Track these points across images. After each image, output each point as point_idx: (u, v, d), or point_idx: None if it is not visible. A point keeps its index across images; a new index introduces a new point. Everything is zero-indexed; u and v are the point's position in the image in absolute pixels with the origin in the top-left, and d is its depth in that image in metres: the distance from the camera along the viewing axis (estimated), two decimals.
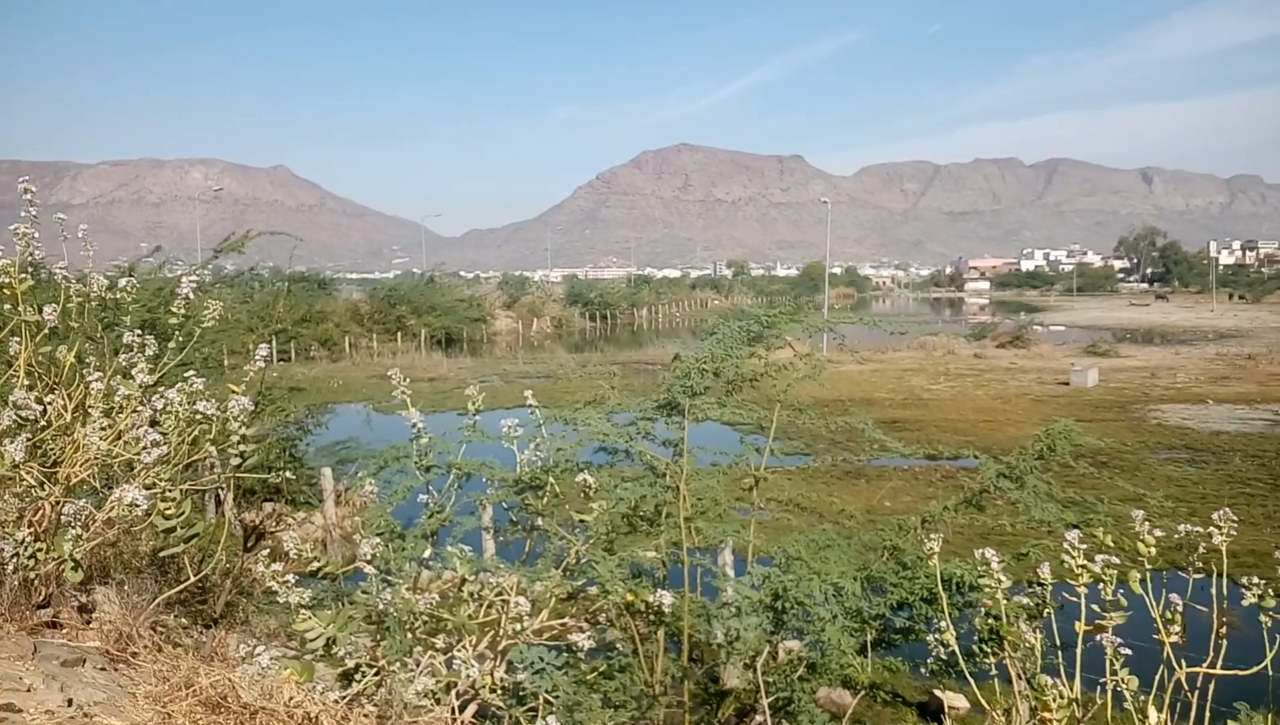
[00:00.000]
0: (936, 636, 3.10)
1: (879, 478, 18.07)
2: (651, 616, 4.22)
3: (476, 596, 5.53)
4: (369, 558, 4.95)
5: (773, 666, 3.76)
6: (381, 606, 4.94)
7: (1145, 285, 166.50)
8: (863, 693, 3.66)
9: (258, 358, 4.36)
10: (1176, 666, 3.07)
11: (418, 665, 5.20)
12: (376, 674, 5.30)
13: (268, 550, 5.13)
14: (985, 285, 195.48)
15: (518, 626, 4.65)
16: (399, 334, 57.70)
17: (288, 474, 13.12)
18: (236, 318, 18.30)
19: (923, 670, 3.50)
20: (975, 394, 31.12)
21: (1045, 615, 3.24)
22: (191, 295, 4.18)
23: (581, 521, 4.41)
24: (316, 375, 34.14)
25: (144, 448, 3.39)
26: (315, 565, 5.54)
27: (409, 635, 5.14)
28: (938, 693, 7.19)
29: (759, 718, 3.60)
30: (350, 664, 5.13)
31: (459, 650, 4.94)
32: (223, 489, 4.80)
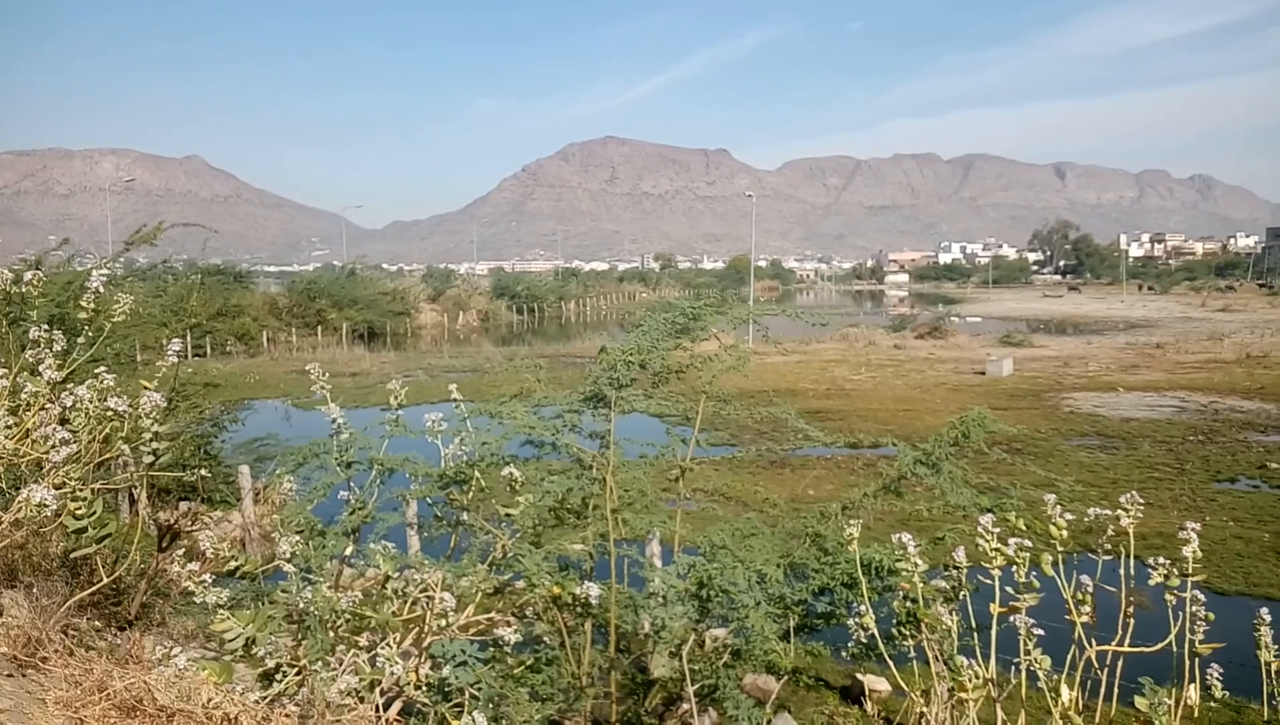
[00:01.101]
0: (857, 620, 3.17)
1: (803, 467, 18.34)
2: (579, 609, 4.23)
3: (400, 593, 5.48)
4: (288, 556, 4.86)
5: (699, 654, 3.80)
6: (302, 605, 4.86)
7: (1058, 277, 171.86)
8: (786, 677, 3.72)
9: (171, 353, 4.25)
10: (1087, 645, 3.19)
11: (340, 664, 5.12)
12: (298, 673, 5.20)
13: (184, 550, 5.01)
14: (905, 278, 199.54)
15: (443, 623, 4.62)
16: (319, 328, 56.57)
17: (203, 472, 12.79)
18: (149, 312, 17.74)
19: (844, 654, 3.57)
20: (895, 384, 31.76)
21: (961, 598, 3.34)
22: (102, 289, 4.05)
23: (508, 515, 4.39)
24: (233, 371, 33.34)
25: (53, 446, 3.28)
26: (233, 565, 5.42)
27: (331, 634, 5.06)
28: (860, 676, 7.34)
29: (685, 705, 3.64)
30: (271, 664, 5.03)
31: (383, 648, 4.88)
32: (136, 488, 4.66)
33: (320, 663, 4.87)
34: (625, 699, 4.29)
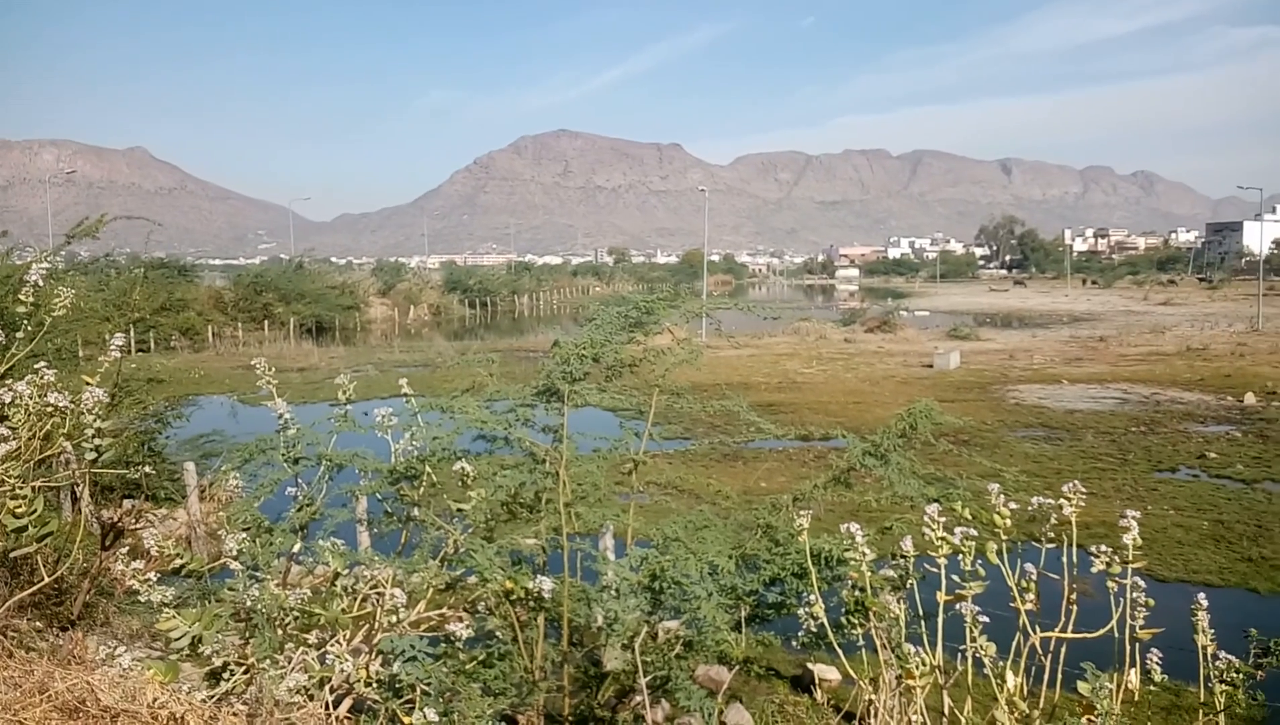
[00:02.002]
0: (807, 610, 3.21)
1: (755, 459, 18.47)
2: (531, 603, 4.23)
3: (350, 590, 5.43)
4: (235, 553, 4.79)
5: (651, 646, 3.81)
6: (250, 603, 4.79)
7: (1004, 271, 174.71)
8: (737, 668, 3.75)
9: (114, 348, 4.16)
10: (1031, 632, 3.26)
11: (289, 661, 5.06)
12: (246, 672, 5.13)
13: (128, 548, 4.91)
14: (855, 272, 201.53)
15: (393, 619, 4.59)
16: (266, 322, 55.70)
17: (148, 469, 12.55)
18: (91, 306, 17.35)
19: (795, 644, 3.61)
20: (846, 377, 32.09)
21: (909, 586, 3.39)
22: (41, 283, 3.95)
23: (459, 510, 4.37)
24: (177, 366, 32.69)
25: None
26: (179, 563, 5.33)
27: (279, 632, 5.00)
28: (810, 665, 7.43)
29: (638, 698, 3.65)
30: (218, 663, 4.96)
31: (332, 645, 4.84)
32: (78, 485, 4.57)
33: (269, 661, 4.81)
34: (578, 692, 4.30)
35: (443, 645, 4.07)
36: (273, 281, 61.14)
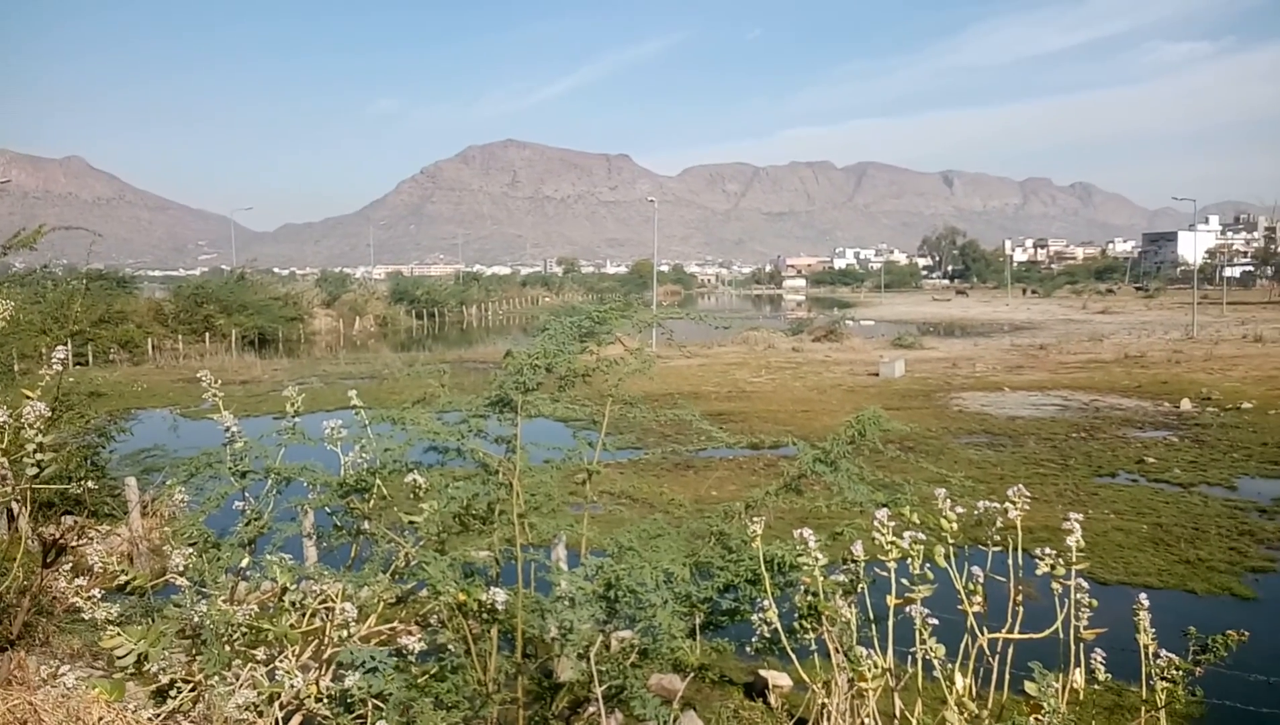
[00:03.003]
0: (760, 615, 3.24)
1: (706, 468, 18.55)
2: (485, 615, 4.21)
3: (299, 605, 5.35)
4: (181, 569, 4.70)
5: (605, 656, 3.81)
6: (196, 619, 4.70)
7: (947, 281, 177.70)
8: (691, 674, 3.78)
9: (54, 361, 4.07)
10: (979, 634, 3.33)
11: (238, 678, 4.98)
12: (193, 689, 5.04)
13: (69, 566, 4.80)
14: (802, 282, 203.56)
15: (343, 634, 4.53)
16: (207, 335, 54.67)
17: (89, 484, 12.26)
18: (28, 319, 16.90)
19: (748, 649, 3.64)
20: (794, 386, 32.38)
21: (859, 590, 3.45)
22: None
23: (411, 523, 4.33)
24: (118, 379, 31.94)
25: None
26: (122, 579, 5.22)
27: (227, 648, 4.91)
28: (763, 672, 7.48)
29: (592, 708, 3.65)
30: (164, 680, 4.86)
31: (281, 661, 4.76)
32: (17, 502, 4.45)
33: (216, 678, 4.72)
34: (532, 704, 4.28)
35: (395, 659, 4.04)
36: (214, 293, 60.07)
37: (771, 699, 7.01)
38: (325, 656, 5.17)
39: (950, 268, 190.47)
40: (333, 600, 5.09)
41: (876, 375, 34.52)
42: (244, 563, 4.64)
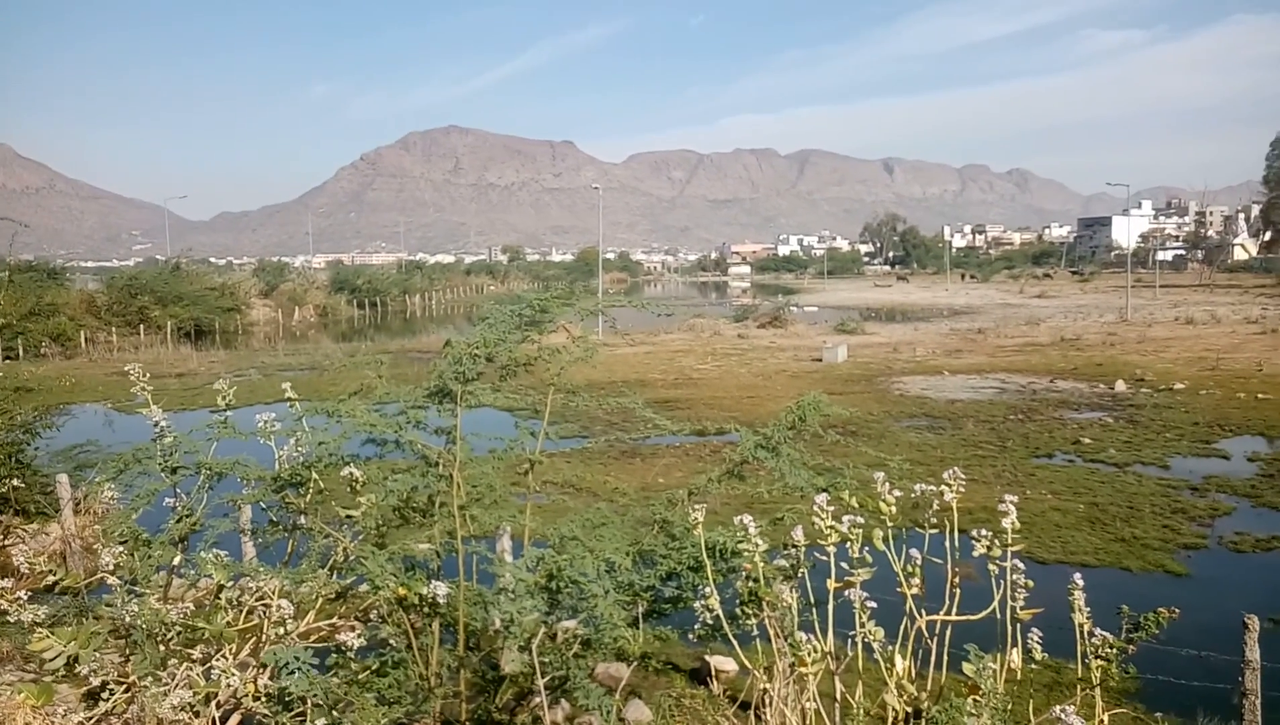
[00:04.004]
0: (702, 602, 3.24)
1: (653, 455, 18.56)
2: (426, 609, 4.15)
3: (236, 603, 5.24)
4: (112, 568, 4.57)
5: (549, 647, 3.79)
6: (129, 619, 4.58)
7: (888, 267, 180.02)
8: (635, 663, 3.76)
9: None
10: (918, 616, 3.36)
11: (173, 678, 4.86)
12: (127, 690, 4.90)
13: None
14: (747, 269, 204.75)
15: (280, 631, 4.44)
16: (141, 327, 53.32)
17: (16, 482, 11.88)
18: None
19: (690, 637, 3.64)
20: (739, 372, 32.54)
21: (800, 575, 3.46)
22: None
23: (348, 517, 4.26)
24: (47, 373, 30.99)
25: None
26: (52, 579, 5.05)
27: (162, 648, 4.79)
28: (708, 657, 7.51)
29: (537, 699, 3.62)
30: (95, 682, 4.72)
31: (218, 660, 4.66)
32: None
33: (150, 678, 4.61)
34: (476, 697, 4.24)
35: (334, 656, 3.97)
36: (148, 284, 58.59)
37: (715, 685, 7.03)
38: (263, 655, 5.08)
39: (891, 254, 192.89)
40: (270, 597, 5.00)
41: (820, 361, 34.84)
42: (177, 560, 4.53)
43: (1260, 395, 24.47)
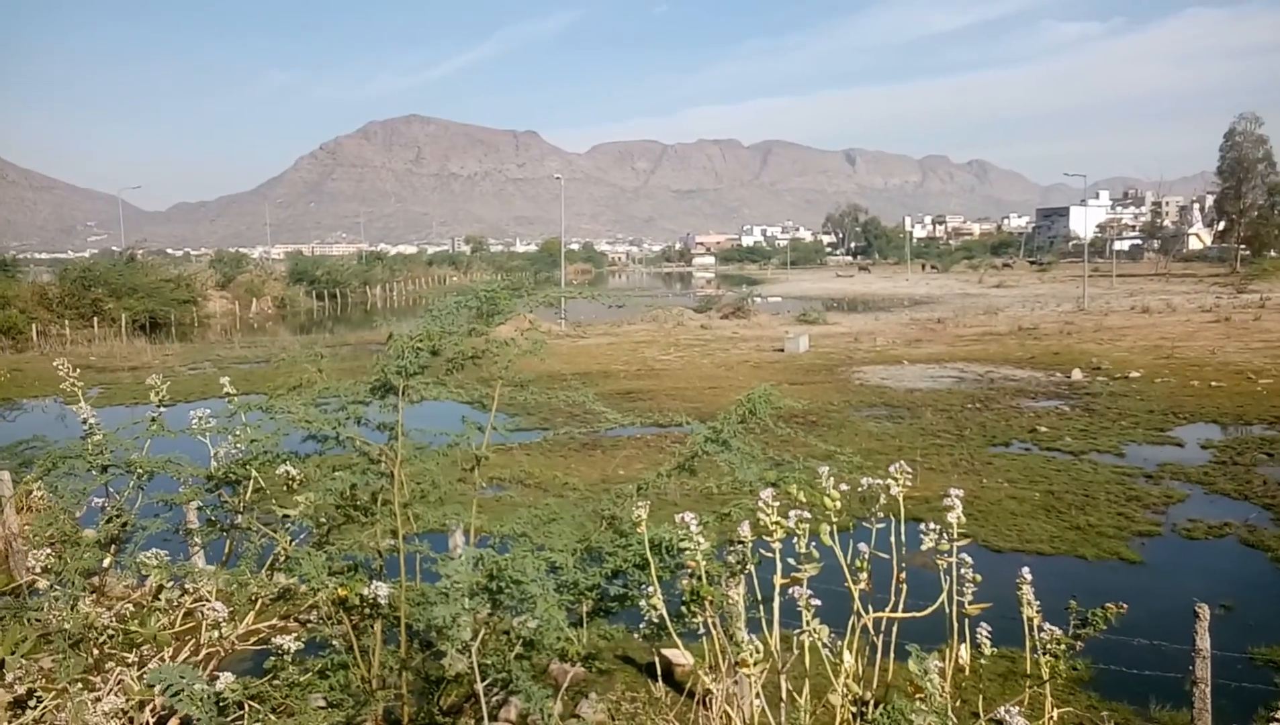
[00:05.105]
0: (646, 602, 3.17)
1: (614, 447, 18.50)
2: (368, 610, 4.04)
3: (175, 604, 5.08)
4: (39, 570, 4.41)
5: (491, 648, 3.69)
6: (59, 623, 4.43)
7: (850, 258, 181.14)
8: (578, 664, 3.68)
9: None
10: (865, 612, 3.30)
11: (106, 683, 4.70)
12: (56, 697, 4.73)
13: None
14: (711, 260, 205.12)
15: (216, 634, 4.31)
16: (95, 319, 52.32)
17: None
18: None
19: (636, 636, 3.57)
20: (702, 363, 32.56)
21: (747, 571, 3.39)
22: None
23: (285, 516, 4.14)
24: None
25: None
26: None
27: (95, 651, 4.64)
28: (665, 651, 7.45)
29: (480, 700, 3.53)
30: (21, 690, 4.55)
31: (154, 663, 4.51)
32: None
33: (79, 684, 4.45)
34: (419, 699, 4.14)
35: (273, 659, 3.85)
36: (102, 275, 57.50)
37: (658, 685, 6.97)
38: (201, 657, 4.94)
39: (853, 244, 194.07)
40: (208, 599, 4.85)
41: (782, 351, 34.95)
42: (107, 562, 4.38)
43: (1214, 383, 24.90)
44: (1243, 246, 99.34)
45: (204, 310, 66.37)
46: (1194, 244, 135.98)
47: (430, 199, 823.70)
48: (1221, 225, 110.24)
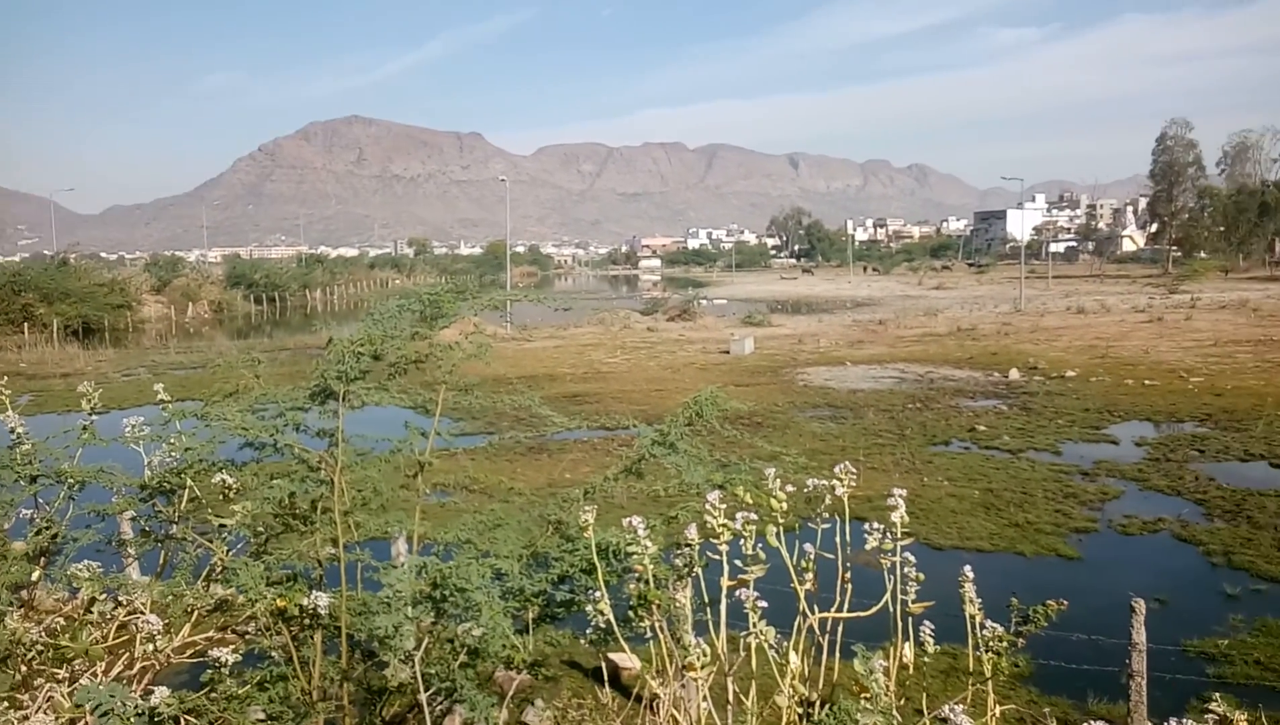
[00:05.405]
0: (593, 607, 3.14)
1: (560, 451, 18.43)
2: (308, 620, 3.97)
3: (108, 617, 4.93)
4: None
5: (435, 657, 3.64)
6: None
7: (794, 260, 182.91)
8: (524, 671, 3.65)
9: None
10: (811, 613, 3.32)
11: (34, 701, 4.55)
12: None
13: None
14: (657, 262, 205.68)
15: (150, 648, 4.19)
16: (26, 325, 50.79)
17: None
18: None
19: (583, 642, 3.54)
20: (649, 365, 32.61)
21: (694, 574, 3.39)
22: None
23: (222, 526, 4.04)
24: None
25: None
26: None
27: (23, 668, 4.48)
28: (611, 655, 7.43)
29: (424, 710, 3.48)
30: None
31: (85, 679, 4.38)
32: None
33: (6, 703, 4.30)
34: (362, 709, 4.07)
35: (210, 672, 3.76)
36: (33, 280, 55.79)
37: (601, 693, 6.96)
38: (135, 671, 4.80)
39: (797, 247, 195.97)
40: (142, 611, 4.72)
41: (728, 353, 35.14)
42: (35, 575, 4.24)
43: (1147, 381, 25.58)
44: (1174, 248, 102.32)
45: (139, 315, 64.84)
46: (1128, 246, 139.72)
47: (372, 201, 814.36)
48: (1154, 227, 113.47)
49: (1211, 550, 12.11)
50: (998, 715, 3.15)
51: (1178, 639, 9.22)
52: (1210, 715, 2.60)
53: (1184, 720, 2.40)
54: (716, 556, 3.22)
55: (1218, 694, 2.86)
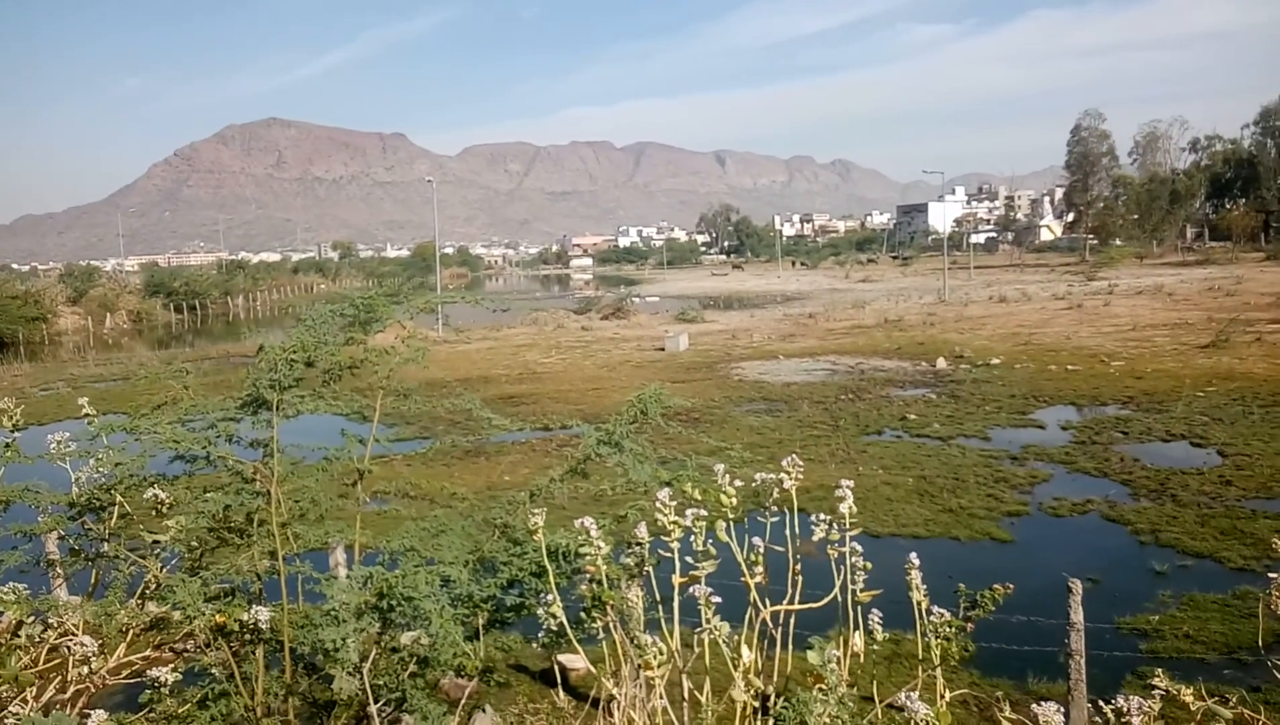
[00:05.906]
0: (545, 610, 3.12)
1: (498, 453, 18.28)
2: (248, 635, 3.86)
3: (38, 640, 4.75)
4: None
5: (383, 667, 3.58)
6: None
7: (724, 256, 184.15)
8: (475, 678, 3.60)
9: None
10: (762, 606, 3.34)
11: None
12: None
13: None
14: (588, 261, 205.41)
15: (84, 670, 4.05)
16: None
17: None
18: None
19: (535, 645, 3.51)
20: (584, 364, 32.53)
21: (646, 572, 3.38)
22: None
23: (156, 542, 3.91)
24: None
25: None
26: None
27: None
28: (560, 657, 7.39)
29: (372, 722, 3.42)
30: None
31: (16, 706, 4.21)
32: None
33: None
34: (308, 723, 3.98)
35: (148, 692, 3.64)
36: None
37: (556, 697, 6.92)
38: (69, 694, 4.63)
39: (726, 243, 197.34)
40: (74, 632, 4.55)
41: (663, 350, 35.24)
42: None
43: (1070, 367, 26.31)
44: (1091, 236, 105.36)
45: (54, 327, 62.75)
46: (1045, 235, 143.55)
47: (293, 204, 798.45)
48: (1071, 216, 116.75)
49: (1139, 529, 12.49)
50: (947, 700, 3.20)
51: (1111, 617, 9.49)
52: (1157, 691, 2.67)
53: (1130, 697, 2.46)
54: (668, 553, 3.22)
55: (1159, 670, 2.95)
